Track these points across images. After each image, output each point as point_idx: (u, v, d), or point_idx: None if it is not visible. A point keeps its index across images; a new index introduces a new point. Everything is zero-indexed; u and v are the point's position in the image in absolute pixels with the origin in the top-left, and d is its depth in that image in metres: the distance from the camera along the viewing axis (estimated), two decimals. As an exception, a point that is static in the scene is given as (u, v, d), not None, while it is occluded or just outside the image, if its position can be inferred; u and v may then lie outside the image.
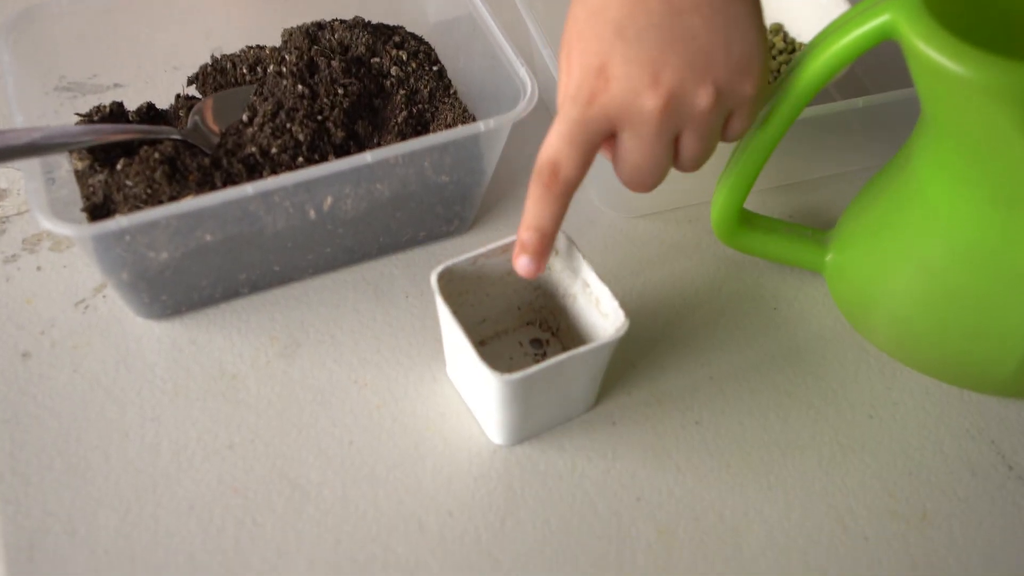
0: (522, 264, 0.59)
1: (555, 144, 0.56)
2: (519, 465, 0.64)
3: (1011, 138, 0.58)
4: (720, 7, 0.56)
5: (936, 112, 0.62)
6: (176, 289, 0.68)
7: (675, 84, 0.56)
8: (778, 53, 0.82)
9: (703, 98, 0.57)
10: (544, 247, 0.59)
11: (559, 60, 0.59)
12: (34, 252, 0.74)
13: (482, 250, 0.64)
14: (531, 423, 0.64)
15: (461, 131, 0.66)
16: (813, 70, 0.62)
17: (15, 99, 0.67)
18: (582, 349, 0.60)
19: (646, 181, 0.60)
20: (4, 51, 0.70)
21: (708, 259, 0.75)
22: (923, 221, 0.65)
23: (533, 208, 0.58)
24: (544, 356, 0.69)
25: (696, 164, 0.61)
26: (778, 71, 0.82)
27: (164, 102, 0.77)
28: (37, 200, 0.61)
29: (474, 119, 0.73)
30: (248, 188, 0.62)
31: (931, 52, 0.58)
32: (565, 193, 0.57)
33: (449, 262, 0.63)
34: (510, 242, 0.64)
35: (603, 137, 0.57)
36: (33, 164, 0.64)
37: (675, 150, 0.60)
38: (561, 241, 0.65)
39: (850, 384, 0.69)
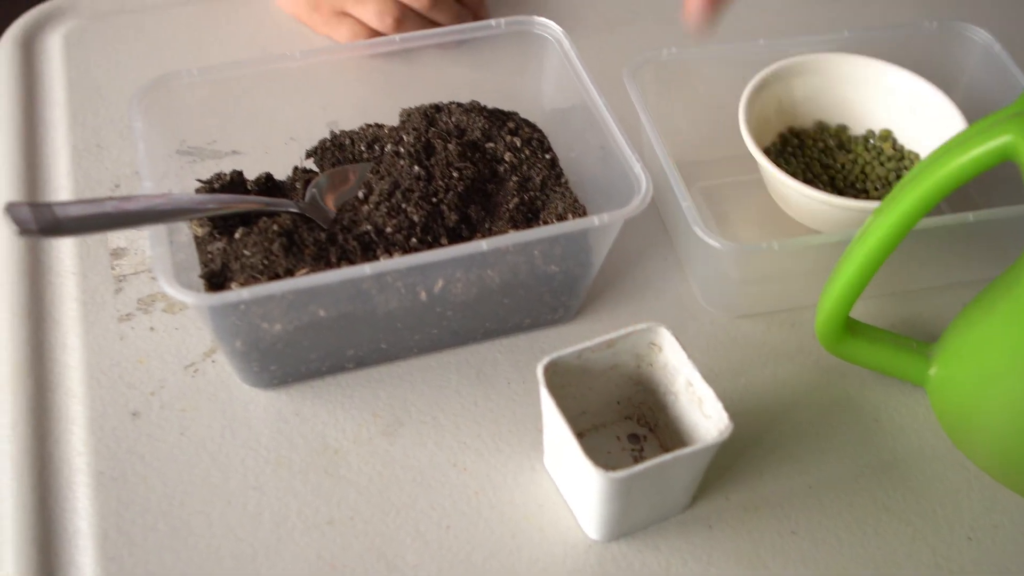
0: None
1: None
2: (614, 562, 0.64)
3: None
4: None
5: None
6: (285, 360, 0.70)
7: None
8: (887, 160, 0.83)
9: None
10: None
11: None
12: (148, 312, 0.76)
13: (588, 344, 0.65)
14: (628, 520, 0.64)
15: (575, 224, 0.67)
16: (928, 188, 0.63)
17: (145, 164, 0.69)
18: (687, 451, 0.60)
19: None
20: (137, 117, 0.72)
21: (809, 364, 0.75)
22: (1033, 342, 0.65)
23: None
24: (642, 452, 0.69)
25: None
26: (886, 178, 0.82)
27: (279, 170, 0.79)
28: (162, 266, 0.63)
29: (584, 209, 0.74)
30: (366, 268, 0.64)
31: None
32: None
33: (556, 354, 0.64)
34: (615, 336, 0.65)
35: None
36: (159, 229, 0.66)
37: None
38: (665, 338, 0.65)
39: (949, 503, 0.68)
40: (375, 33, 0.93)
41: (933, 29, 0.86)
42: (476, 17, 0.96)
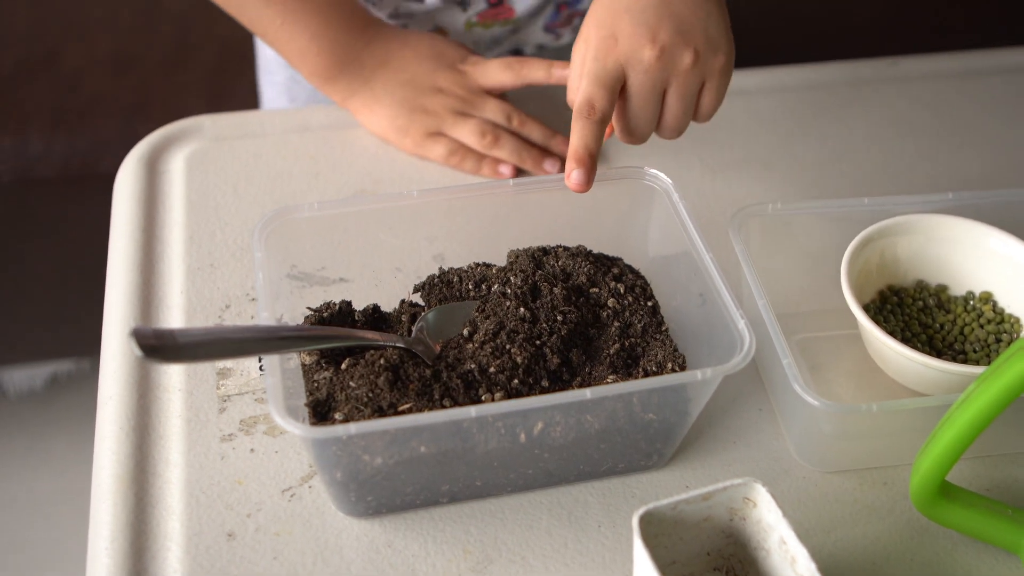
0: (575, 177, 0.77)
1: (588, 88, 0.78)
2: None
3: None
4: (703, 3, 0.80)
5: None
6: (382, 492, 0.71)
7: (667, 43, 0.78)
8: (986, 322, 0.83)
9: (687, 57, 0.78)
10: (591, 165, 0.77)
11: (576, 44, 0.82)
12: (249, 434, 0.78)
13: (684, 496, 0.65)
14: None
15: (676, 378, 0.68)
16: (1036, 362, 0.63)
17: (264, 295, 0.72)
18: (778, 613, 0.60)
19: (640, 126, 0.81)
20: (259, 247, 0.75)
21: (901, 524, 0.75)
22: None
23: (579, 135, 0.77)
24: (731, 605, 0.69)
25: (675, 122, 0.81)
26: (985, 340, 0.82)
27: (385, 301, 0.81)
28: (275, 397, 0.65)
29: (683, 359, 0.75)
30: (471, 411, 0.65)
31: None
32: (601, 122, 0.78)
33: (652, 505, 0.64)
34: (712, 490, 0.66)
35: (619, 83, 0.79)
36: (273, 358, 0.68)
37: (660, 113, 0.81)
38: (760, 494, 0.66)
39: None
40: (470, 151, 0.98)
41: (1035, 195, 0.87)
42: (549, 149, 1.00)
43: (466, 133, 0.98)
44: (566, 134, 0.92)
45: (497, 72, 1.00)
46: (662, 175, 0.81)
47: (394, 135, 1.00)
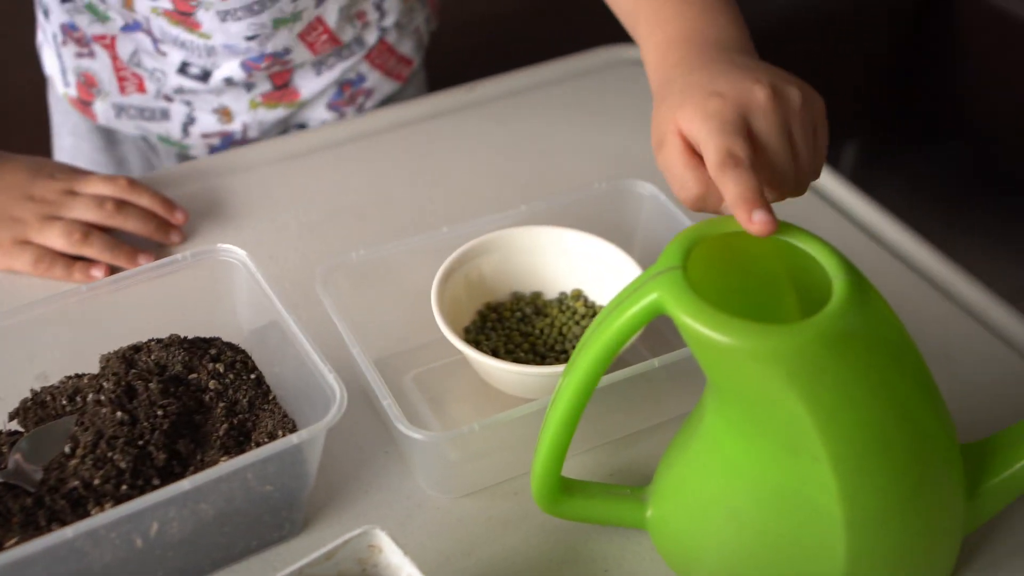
0: (759, 218, 0.66)
1: (717, 141, 0.68)
2: None
3: (782, 394, 0.63)
4: (763, 65, 0.74)
5: (714, 375, 0.67)
6: (6, 635, 0.68)
7: (772, 83, 0.70)
8: (581, 318, 0.87)
9: (795, 94, 0.71)
10: (765, 201, 0.67)
11: (663, 140, 0.72)
12: None
13: (306, 560, 0.65)
14: None
15: (276, 445, 0.68)
16: (598, 351, 0.67)
17: None
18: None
19: (784, 170, 0.70)
20: None
21: (535, 530, 0.77)
22: (725, 472, 0.69)
23: (734, 182, 0.66)
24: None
25: (811, 162, 0.72)
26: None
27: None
28: None
29: (293, 423, 0.76)
30: (67, 532, 0.63)
31: (696, 325, 0.63)
32: (750, 167, 0.67)
33: (276, 576, 0.64)
34: (332, 548, 0.66)
35: (745, 129, 0.69)
36: None
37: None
38: (382, 539, 0.67)
39: (682, 639, 0.71)
40: (59, 256, 0.95)
41: (604, 190, 0.92)
42: (168, 221, 0.99)
43: (53, 237, 0.95)
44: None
45: (99, 183, 0.98)
46: (235, 248, 0.81)
47: None
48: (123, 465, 0.71)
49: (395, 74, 1.21)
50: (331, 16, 1.09)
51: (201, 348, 0.80)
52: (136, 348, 0.80)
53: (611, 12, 0.89)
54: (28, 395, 0.79)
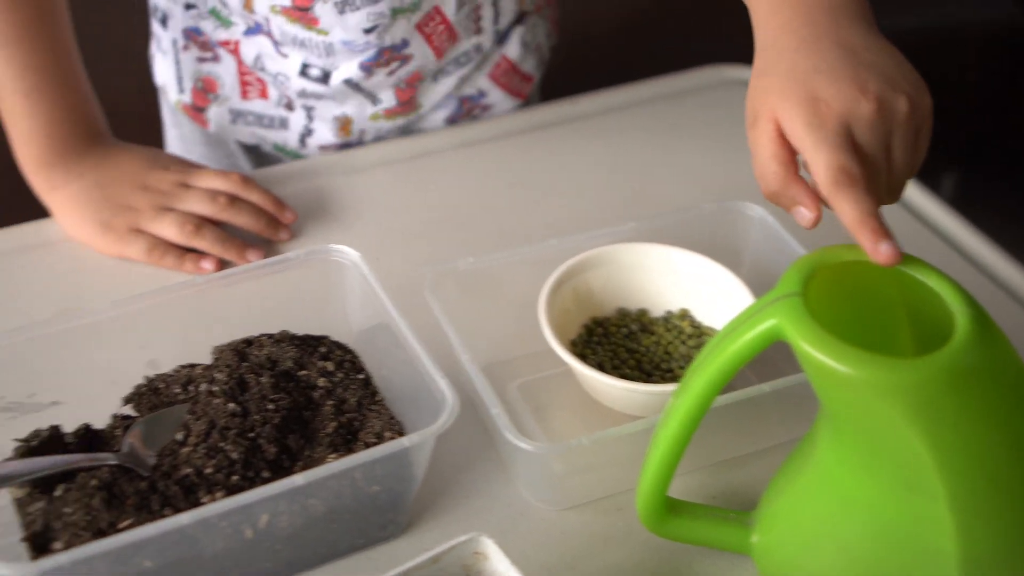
0: (884, 250, 0.64)
1: (829, 157, 0.65)
2: None
3: (901, 429, 0.62)
4: (881, 46, 0.71)
5: (831, 405, 0.66)
6: (115, 615, 0.69)
7: (879, 92, 0.67)
8: (687, 338, 0.87)
9: (903, 104, 0.68)
10: (887, 228, 0.65)
11: (755, 125, 0.70)
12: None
13: (413, 563, 0.66)
14: None
15: (388, 447, 0.69)
16: (713, 374, 0.67)
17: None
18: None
19: (879, 176, 0.68)
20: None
21: (638, 548, 0.77)
22: (837, 504, 0.69)
23: (853, 204, 0.64)
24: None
25: (903, 178, 0.70)
26: (689, 355, 0.86)
27: (100, 418, 0.79)
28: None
29: (401, 426, 0.76)
30: (183, 517, 0.64)
31: (817, 354, 0.62)
32: (866, 186, 0.65)
33: (384, 576, 0.65)
34: (439, 552, 0.66)
35: (851, 141, 0.67)
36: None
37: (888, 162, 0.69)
38: (488, 547, 0.67)
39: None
40: (171, 246, 0.97)
41: (712, 211, 0.92)
42: (277, 219, 1.00)
43: (165, 227, 0.97)
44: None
45: (212, 178, 1.00)
46: (348, 249, 0.82)
47: (95, 231, 0.98)
48: (235, 456, 0.72)
49: (516, 92, 1.21)
50: (449, 6, 1.08)
51: (311, 346, 0.81)
52: (248, 342, 0.81)
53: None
54: (142, 381, 0.80)
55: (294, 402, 0.76)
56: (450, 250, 0.99)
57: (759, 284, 0.86)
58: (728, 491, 0.82)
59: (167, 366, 0.83)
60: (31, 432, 0.77)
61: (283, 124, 1.16)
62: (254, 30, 1.09)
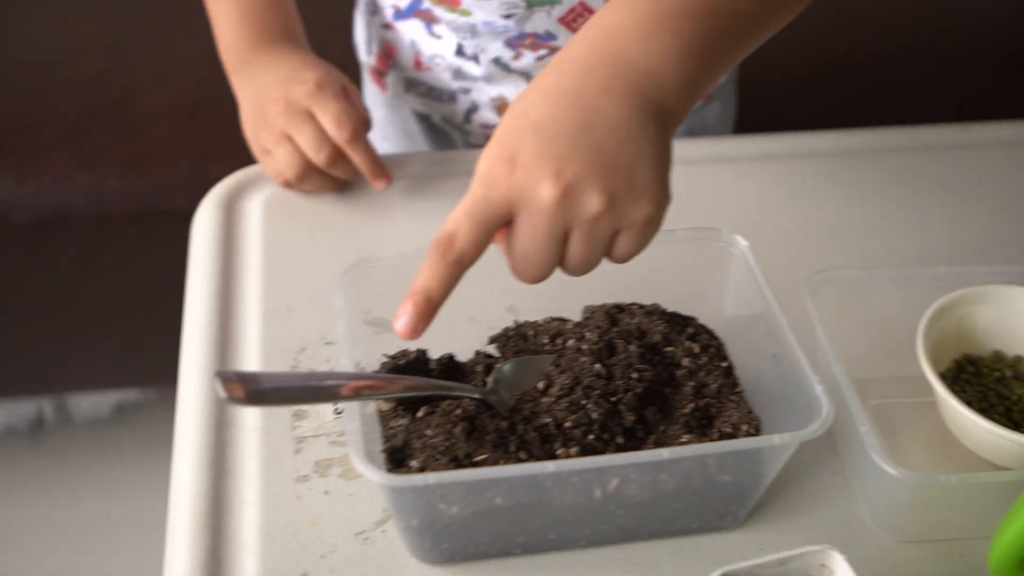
0: (401, 324, 0.64)
1: (456, 218, 0.64)
2: None
3: None
4: (635, 135, 0.65)
5: None
6: (457, 540, 0.71)
7: (573, 182, 0.63)
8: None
9: (595, 203, 0.64)
10: (427, 311, 0.64)
11: (481, 156, 0.66)
12: (324, 476, 0.79)
13: (760, 560, 0.65)
14: None
15: (756, 442, 0.68)
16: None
17: (345, 343, 0.73)
18: None
19: (531, 271, 0.67)
20: (339, 296, 0.76)
21: (977, 598, 0.74)
22: None
23: (425, 273, 0.64)
24: (801, 673, 0.69)
25: (579, 268, 0.67)
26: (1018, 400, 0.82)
27: (460, 350, 0.82)
28: (355, 444, 0.66)
29: (758, 421, 0.75)
30: (549, 466, 0.65)
31: None
32: (457, 263, 0.64)
33: (728, 568, 0.64)
34: (788, 556, 0.65)
35: (501, 220, 0.65)
36: (352, 406, 0.69)
37: (563, 252, 0.66)
38: (837, 562, 0.66)
39: None
40: (309, 162, 0.99)
41: (1116, 266, 0.87)
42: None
43: (281, 157, 0.99)
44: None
45: (330, 119, 0.98)
46: (738, 238, 0.81)
47: (251, 130, 1.03)
48: (595, 416, 0.73)
49: None
50: (596, 2, 1.04)
51: (680, 324, 0.81)
52: (620, 308, 0.82)
53: None
54: (510, 325, 0.83)
55: (657, 376, 0.77)
56: (814, 258, 0.97)
57: None
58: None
59: (525, 314, 0.85)
60: (399, 351, 0.80)
61: (452, 98, 1.17)
62: (404, 13, 1.11)
